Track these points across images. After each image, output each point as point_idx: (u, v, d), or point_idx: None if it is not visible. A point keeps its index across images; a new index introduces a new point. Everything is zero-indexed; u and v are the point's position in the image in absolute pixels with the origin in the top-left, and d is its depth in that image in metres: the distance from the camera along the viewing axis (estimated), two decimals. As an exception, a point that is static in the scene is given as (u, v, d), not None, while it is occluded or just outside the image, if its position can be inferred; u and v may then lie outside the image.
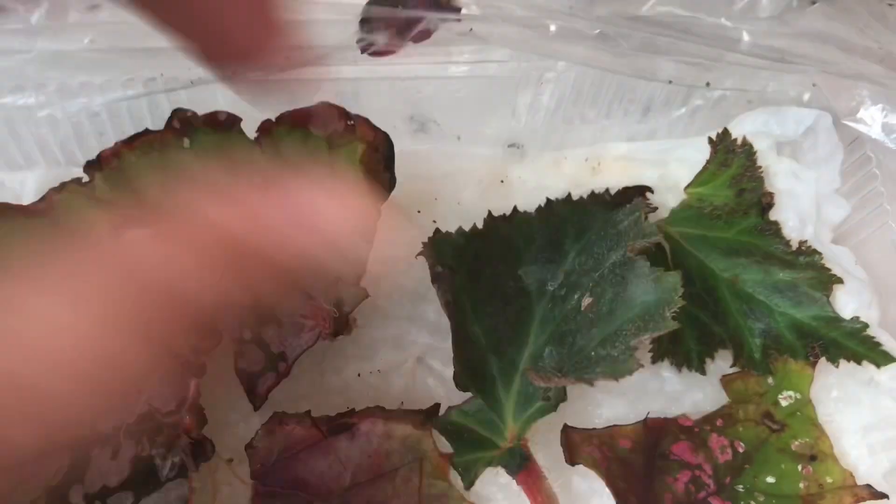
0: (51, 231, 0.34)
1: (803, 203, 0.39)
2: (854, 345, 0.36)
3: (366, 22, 0.31)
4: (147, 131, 0.35)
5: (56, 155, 0.37)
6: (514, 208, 0.37)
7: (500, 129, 0.39)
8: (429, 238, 0.36)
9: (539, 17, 0.31)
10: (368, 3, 0.31)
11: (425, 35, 0.32)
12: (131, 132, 0.35)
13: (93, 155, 0.35)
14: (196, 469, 0.31)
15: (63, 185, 0.34)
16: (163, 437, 0.31)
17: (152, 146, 0.35)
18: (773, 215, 0.39)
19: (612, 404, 0.36)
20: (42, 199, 0.34)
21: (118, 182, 0.34)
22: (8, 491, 0.31)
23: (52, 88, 0.32)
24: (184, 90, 0.34)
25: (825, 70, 0.33)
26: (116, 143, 0.35)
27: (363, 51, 0.32)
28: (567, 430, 0.33)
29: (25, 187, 0.37)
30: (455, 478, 0.33)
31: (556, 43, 0.32)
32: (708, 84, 0.35)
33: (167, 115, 0.35)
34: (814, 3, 0.37)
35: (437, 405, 0.34)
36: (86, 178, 0.34)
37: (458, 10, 0.31)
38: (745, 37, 0.33)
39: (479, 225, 0.37)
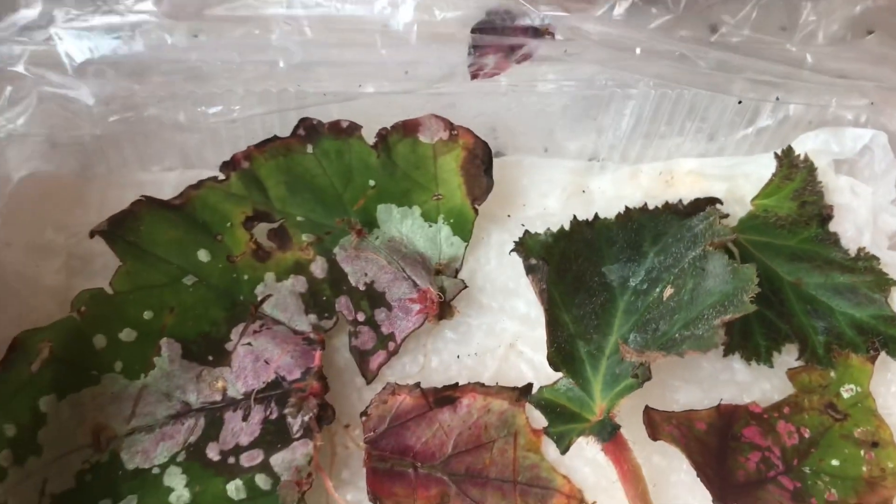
0: (188, 222, 0.38)
1: (860, 215, 0.42)
2: (912, 340, 0.39)
3: (476, 48, 0.36)
4: (275, 137, 0.40)
5: (192, 158, 0.41)
6: (596, 215, 0.41)
7: (583, 144, 0.43)
8: (520, 237, 0.40)
9: (626, 40, 0.36)
10: (473, 32, 0.35)
11: (527, 57, 0.36)
12: (261, 138, 0.40)
13: (223, 158, 0.39)
14: (319, 430, 0.35)
15: (201, 183, 0.39)
16: (294, 399, 0.35)
17: (279, 150, 0.40)
18: (832, 227, 0.43)
19: (688, 391, 0.39)
20: (181, 194, 0.39)
21: (250, 181, 0.39)
22: (153, 446, 0.35)
23: (192, 100, 0.37)
24: (313, 106, 0.38)
25: (879, 86, 0.37)
26: (248, 147, 0.39)
27: (473, 76, 0.36)
28: (649, 411, 0.37)
29: (164, 186, 0.41)
30: (545, 450, 0.37)
31: (640, 62, 0.36)
32: (777, 98, 0.39)
33: (293, 124, 0.39)
34: (870, 33, 0.41)
35: (530, 384, 0.38)
36: (221, 177, 0.39)
37: (553, 35, 0.36)
38: (809, 59, 0.37)
39: (565, 228, 0.41)
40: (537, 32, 0.37)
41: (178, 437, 0.35)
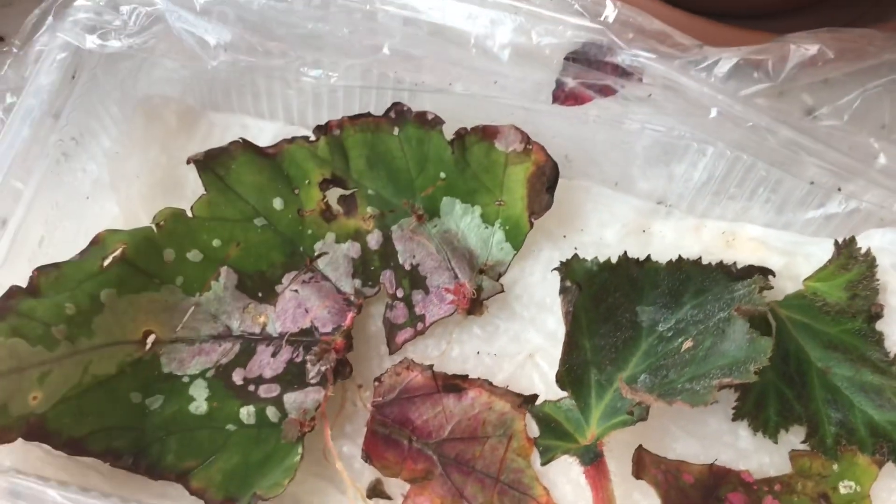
0: (274, 171, 0.42)
1: (910, 323, 0.42)
2: (922, 455, 0.39)
3: (563, 76, 0.38)
4: (369, 114, 0.43)
5: (293, 115, 0.45)
6: (648, 256, 0.42)
7: (653, 186, 0.44)
8: (568, 259, 0.42)
9: (706, 99, 0.37)
10: (566, 59, 0.38)
11: (611, 93, 0.38)
12: (357, 111, 0.43)
13: (322, 121, 0.43)
14: (333, 382, 0.38)
15: (294, 139, 0.43)
16: (318, 348, 0.39)
17: (369, 126, 0.43)
18: (880, 326, 0.42)
19: (687, 443, 0.40)
20: (275, 145, 0.43)
21: (336, 148, 0.43)
22: (189, 357, 0.39)
23: (307, 62, 0.41)
24: (406, 91, 0.41)
25: None
26: (342, 117, 0.43)
27: (555, 99, 0.39)
28: (640, 450, 0.38)
29: (263, 133, 0.46)
30: (534, 461, 0.39)
31: (714, 125, 0.38)
32: (839, 189, 0.40)
33: (387, 105, 0.43)
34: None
35: (536, 395, 0.40)
36: (312, 138, 0.43)
37: (641, 78, 0.38)
38: (882, 159, 0.37)
39: (614, 260, 0.42)
40: (625, 72, 0.38)
41: (212, 356, 0.39)
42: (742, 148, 0.39)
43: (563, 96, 0.39)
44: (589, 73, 0.38)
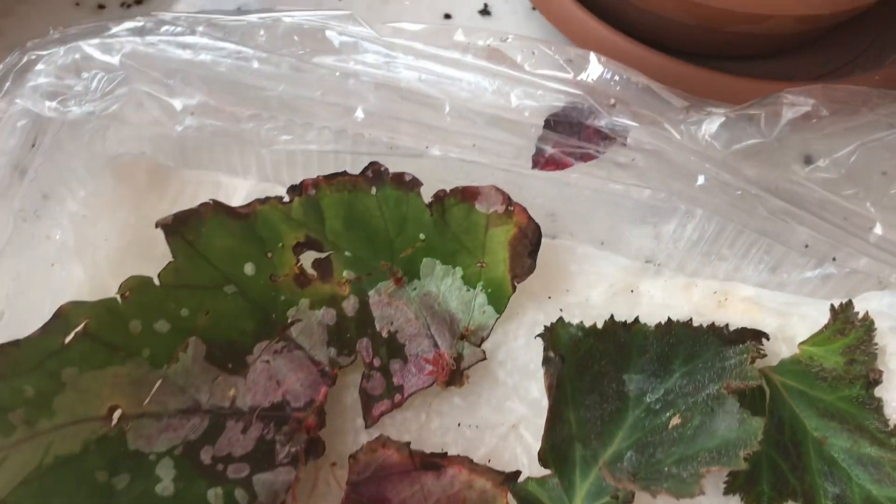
0: (247, 234, 0.41)
1: (910, 389, 0.40)
2: (921, 536, 0.37)
3: (543, 141, 0.36)
4: (345, 172, 0.41)
5: (267, 172, 0.44)
6: (636, 318, 0.41)
7: (641, 245, 0.43)
8: (552, 323, 0.40)
9: (692, 165, 0.36)
10: (546, 122, 0.36)
11: (591, 158, 0.37)
12: (332, 171, 0.41)
13: (297, 179, 0.41)
14: (305, 463, 0.37)
15: (267, 199, 0.41)
16: (288, 427, 0.37)
17: (346, 185, 0.41)
18: (879, 392, 0.41)
19: (675, 519, 0.39)
20: (247, 205, 0.41)
21: (311, 208, 0.41)
22: (157, 434, 0.38)
23: (280, 123, 0.39)
24: (381, 155, 0.40)
25: None
26: (318, 177, 0.41)
27: (535, 164, 0.37)
28: (627, 528, 0.37)
29: (237, 191, 0.44)
30: (517, 540, 0.37)
31: (701, 192, 0.36)
32: (834, 259, 0.38)
33: (364, 165, 0.41)
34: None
35: (518, 472, 0.38)
36: (286, 199, 0.41)
37: (625, 142, 0.36)
38: (878, 229, 0.36)
39: (600, 324, 0.40)
40: (607, 136, 0.37)
41: (180, 431, 0.38)
42: (731, 216, 0.37)
43: (542, 161, 0.37)
44: (569, 140, 0.36)
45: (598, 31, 0.47)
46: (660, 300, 0.43)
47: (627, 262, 0.43)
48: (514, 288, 0.41)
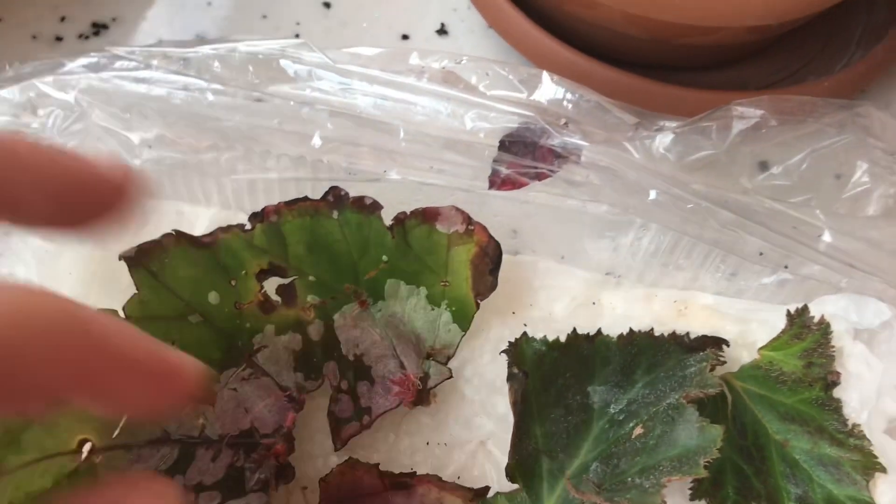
0: (210, 263, 0.41)
1: (867, 389, 0.41)
2: (881, 533, 0.38)
3: (498, 162, 0.37)
4: (306, 198, 0.42)
5: (229, 200, 0.44)
6: (599, 330, 0.41)
7: (601, 258, 0.43)
8: (516, 339, 0.41)
9: (644, 181, 0.36)
10: (500, 149, 0.37)
11: (546, 177, 0.37)
12: (294, 196, 0.42)
13: (259, 205, 0.42)
14: (276, 489, 0.37)
15: (229, 227, 0.41)
16: (257, 454, 0.38)
17: (307, 210, 0.42)
18: (837, 393, 0.42)
19: (643, 527, 0.39)
20: (210, 234, 0.42)
21: (273, 235, 0.41)
22: (128, 465, 0.38)
23: (239, 152, 0.40)
24: (341, 181, 0.40)
25: (886, 282, 0.36)
26: (279, 203, 0.42)
27: (491, 185, 0.38)
28: (595, 539, 0.37)
29: (199, 220, 0.44)
30: (489, 556, 0.38)
31: (654, 206, 0.37)
32: (786, 267, 0.39)
33: (324, 190, 0.41)
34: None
35: (487, 488, 0.39)
36: (248, 226, 0.42)
37: (579, 159, 0.37)
38: (827, 236, 0.36)
39: (563, 338, 0.41)
40: (560, 155, 0.37)
41: (151, 462, 0.38)
42: (684, 229, 0.38)
43: (498, 182, 0.38)
44: (523, 160, 0.37)
45: (552, 47, 0.48)
46: (621, 311, 0.44)
47: (588, 276, 0.44)
48: (478, 305, 0.41)
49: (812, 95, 0.42)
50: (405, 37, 0.53)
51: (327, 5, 0.55)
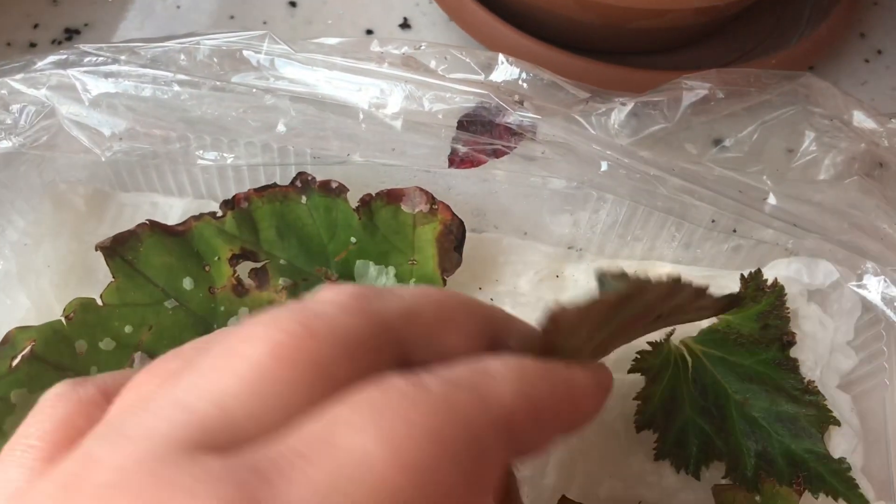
0: (184, 250, 0.42)
1: (821, 348, 0.43)
2: (836, 482, 0.39)
3: (456, 140, 0.39)
4: (275, 184, 0.43)
5: (202, 189, 0.46)
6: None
7: (562, 233, 0.45)
8: (484, 313, 0.42)
9: (594, 153, 0.38)
10: (458, 128, 0.38)
11: (503, 154, 0.39)
12: (263, 183, 0.43)
13: (230, 193, 0.43)
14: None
15: (201, 215, 0.43)
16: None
17: (276, 197, 0.43)
18: (794, 353, 0.43)
19: (611, 486, 0.41)
20: (183, 223, 0.43)
21: (244, 221, 0.43)
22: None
23: (207, 141, 0.41)
24: (308, 165, 0.42)
25: (828, 241, 0.38)
26: (249, 190, 0.43)
27: (451, 164, 0.39)
28: (563, 500, 0.39)
29: (173, 210, 0.46)
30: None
31: (606, 178, 0.39)
32: (735, 231, 0.40)
33: (292, 175, 0.43)
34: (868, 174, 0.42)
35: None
36: (219, 213, 0.43)
37: (535, 136, 0.38)
38: (772, 199, 0.38)
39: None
40: (516, 132, 0.39)
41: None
42: (636, 199, 0.40)
43: (457, 160, 0.40)
44: (480, 138, 0.38)
45: (510, 36, 0.50)
46: (584, 283, 0.45)
47: (551, 250, 0.46)
48: (445, 282, 0.43)
49: (759, 70, 0.44)
50: (369, 31, 0.55)
51: (293, 4, 0.56)
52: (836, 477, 0.40)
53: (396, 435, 0.19)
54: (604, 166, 0.38)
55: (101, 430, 0.21)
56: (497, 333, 0.26)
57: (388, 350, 0.22)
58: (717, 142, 0.47)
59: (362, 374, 0.21)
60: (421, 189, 0.43)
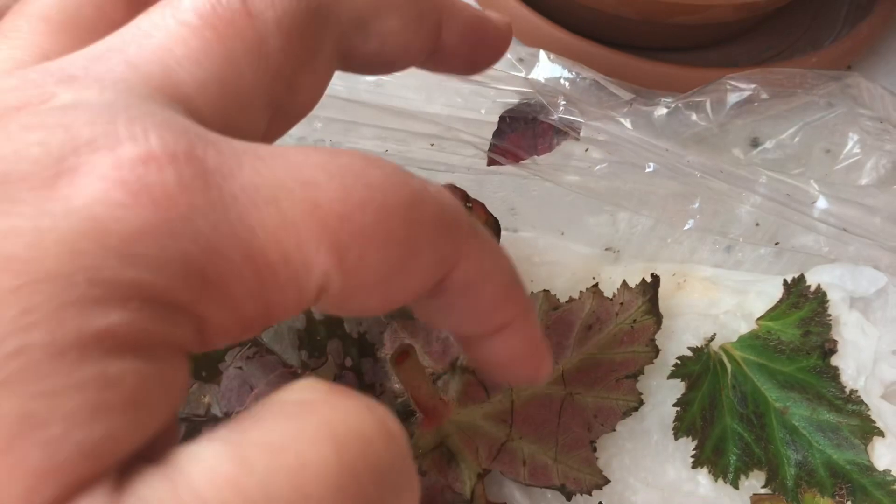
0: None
1: (864, 356, 0.42)
2: (881, 495, 0.38)
3: (497, 138, 0.38)
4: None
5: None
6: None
7: (600, 233, 0.44)
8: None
9: (641, 154, 0.37)
10: (500, 125, 0.37)
11: (546, 150, 0.38)
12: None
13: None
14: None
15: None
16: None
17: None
18: (835, 361, 0.42)
19: (647, 494, 0.40)
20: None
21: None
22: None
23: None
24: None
25: (882, 247, 0.37)
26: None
27: (490, 161, 0.38)
28: (600, 508, 0.38)
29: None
30: None
31: (652, 178, 0.37)
32: (777, 244, 0.39)
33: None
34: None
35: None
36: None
37: (577, 137, 0.37)
38: (822, 203, 0.37)
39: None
40: (560, 131, 0.38)
41: (159, 442, 0.38)
42: (681, 201, 0.39)
43: (498, 158, 0.38)
44: (523, 136, 0.37)
45: (546, 29, 0.48)
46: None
47: (588, 251, 0.45)
48: (479, 282, 0.42)
49: (801, 70, 0.42)
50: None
51: None
52: (881, 489, 0.39)
53: None
54: (650, 167, 0.37)
55: None
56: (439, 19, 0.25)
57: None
58: (755, 143, 0.46)
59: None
60: (455, 186, 0.41)
